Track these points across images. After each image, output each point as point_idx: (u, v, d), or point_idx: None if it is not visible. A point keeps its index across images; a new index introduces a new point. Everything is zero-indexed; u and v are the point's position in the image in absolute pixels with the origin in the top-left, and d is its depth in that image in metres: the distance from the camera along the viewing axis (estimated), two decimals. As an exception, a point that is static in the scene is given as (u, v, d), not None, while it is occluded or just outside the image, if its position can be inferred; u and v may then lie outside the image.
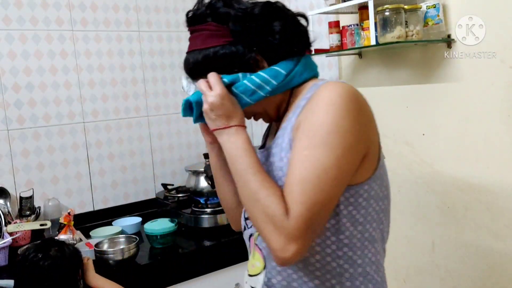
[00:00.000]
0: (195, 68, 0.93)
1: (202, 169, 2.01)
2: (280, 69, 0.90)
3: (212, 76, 0.89)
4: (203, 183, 2.02)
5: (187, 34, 0.95)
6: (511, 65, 1.52)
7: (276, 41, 0.90)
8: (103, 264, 1.61)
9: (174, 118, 2.39)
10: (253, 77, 0.90)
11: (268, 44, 0.90)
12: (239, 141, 0.87)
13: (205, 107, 0.88)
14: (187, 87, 1.05)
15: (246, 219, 1.00)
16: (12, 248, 1.72)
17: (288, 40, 0.91)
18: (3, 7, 1.92)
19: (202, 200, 2.02)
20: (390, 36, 1.66)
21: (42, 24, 2.01)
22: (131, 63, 2.25)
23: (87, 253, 1.67)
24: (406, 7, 1.65)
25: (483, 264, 1.68)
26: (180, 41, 2.39)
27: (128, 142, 2.25)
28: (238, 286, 1.86)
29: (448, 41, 1.67)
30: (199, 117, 0.95)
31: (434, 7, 1.66)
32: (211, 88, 0.87)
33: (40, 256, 1.29)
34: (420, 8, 1.67)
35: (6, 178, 1.94)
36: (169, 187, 2.24)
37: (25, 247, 1.63)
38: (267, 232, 0.79)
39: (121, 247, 1.68)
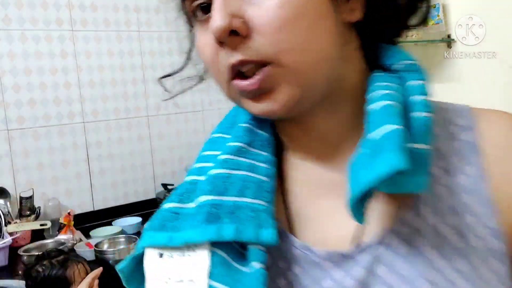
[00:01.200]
0: None
1: (202, 169, 2.01)
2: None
3: None
4: (203, 183, 2.02)
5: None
6: (511, 65, 1.52)
7: None
8: (103, 264, 1.60)
9: (174, 118, 2.39)
10: None
11: None
12: None
13: None
14: None
15: None
16: (12, 248, 1.72)
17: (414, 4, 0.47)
18: (3, 7, 1.92)
19: (202, 200, 2.02)
20: (390, 36, 1.66)
21: (42, 24, 2.01)
22: (131, 63, 2.25)
23: (87, 253, 1.67)
24: (406, 7, 1.66)
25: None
26: (180, 41, 2.39)
27: (128, 142, 2.25)
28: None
29: (448, 41, 1.68)
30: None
31: (434, 7, 1.66)
32: None
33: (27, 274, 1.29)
34: (420, 8, 1.68)
35: (6, 178, 1.93)
36: (169, 187, 2.24)
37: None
38: None
39: (121, 247, 1.68)
